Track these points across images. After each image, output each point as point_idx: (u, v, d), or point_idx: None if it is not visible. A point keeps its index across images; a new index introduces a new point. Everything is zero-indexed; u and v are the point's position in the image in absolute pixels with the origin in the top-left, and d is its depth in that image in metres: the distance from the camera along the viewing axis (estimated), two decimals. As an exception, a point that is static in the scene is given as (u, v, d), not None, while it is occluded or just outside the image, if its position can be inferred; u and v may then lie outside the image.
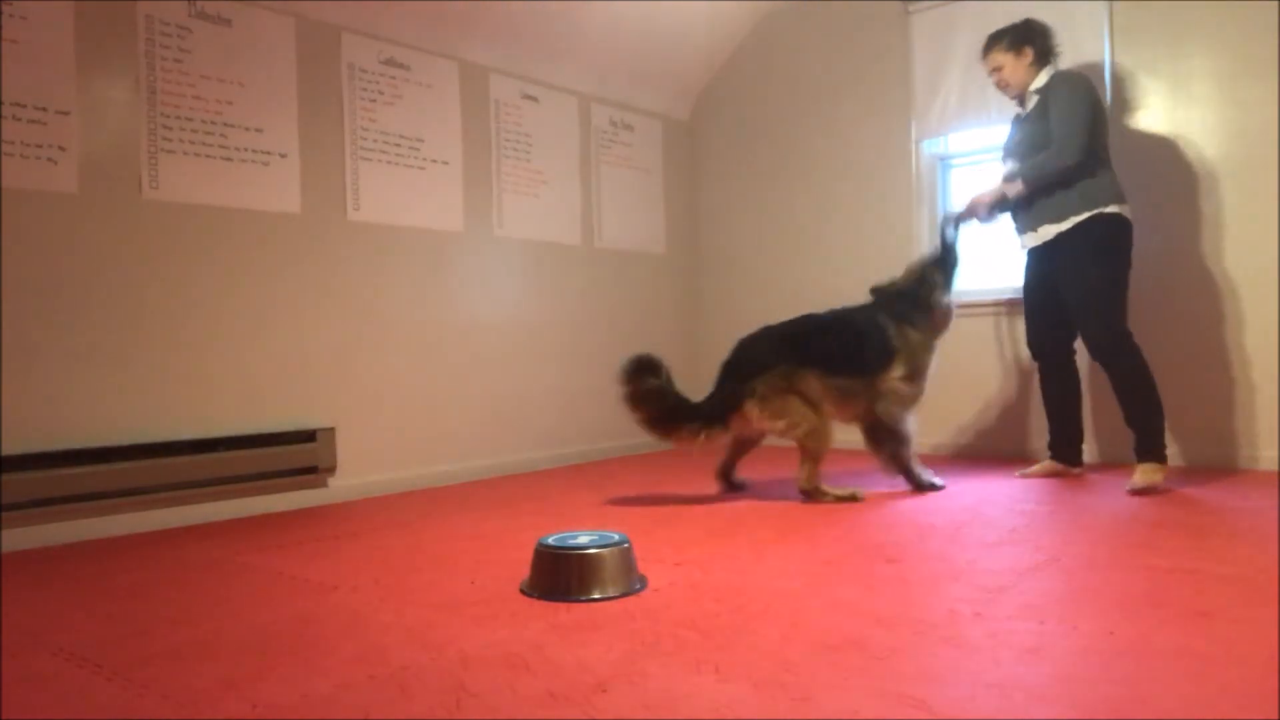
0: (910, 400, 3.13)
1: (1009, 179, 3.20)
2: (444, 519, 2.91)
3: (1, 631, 1.78)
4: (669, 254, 5.00)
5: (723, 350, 3.18)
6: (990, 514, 2.69)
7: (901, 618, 1.67)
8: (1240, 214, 3.42)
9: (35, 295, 2.71)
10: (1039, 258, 3.22)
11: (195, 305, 3.06)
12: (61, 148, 2.76)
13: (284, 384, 3.28)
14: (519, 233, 4.15)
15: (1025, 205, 3.18)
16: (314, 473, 3.29)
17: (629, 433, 4.54)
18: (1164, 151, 3.56)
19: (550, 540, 1.98)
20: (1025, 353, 3.43)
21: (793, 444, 3.06)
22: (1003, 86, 3.28)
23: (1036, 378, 3.43)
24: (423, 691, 1.37)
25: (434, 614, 1.80)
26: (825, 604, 1.78)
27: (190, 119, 3.05)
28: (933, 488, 3.11)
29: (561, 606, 1.82)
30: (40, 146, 2.72)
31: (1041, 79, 3.18)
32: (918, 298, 3.22)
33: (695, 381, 3.40)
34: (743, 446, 3.29)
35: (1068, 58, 3.40)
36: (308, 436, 3.27)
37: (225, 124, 3.13)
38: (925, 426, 4.24)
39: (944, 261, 3.31)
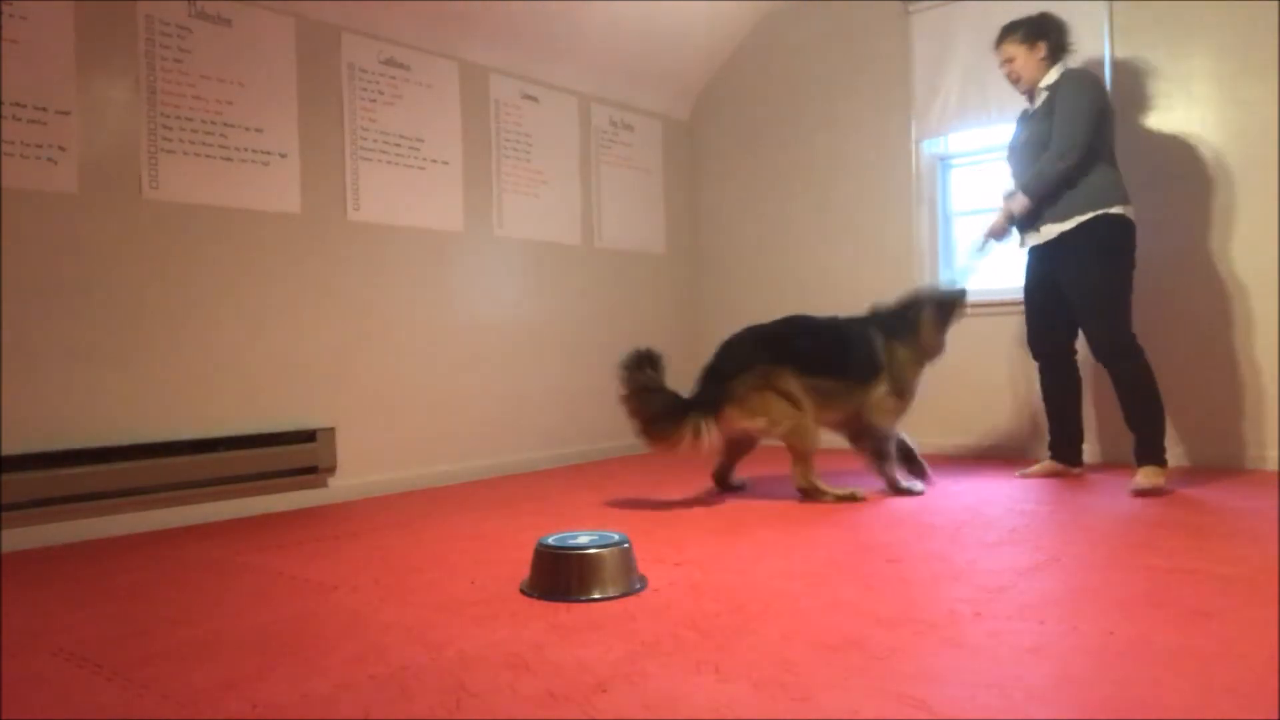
0: (895, 414, 3.12)
1: (1009, 197, 3.19)
2: (444, 519, 2.91)
3: (1, 631, 1.78)
4: (669, 254, 5.00)
5: (722, 350, 3.18)
6: (990, 514, 2.69)
7: (901, 618, 1.67)
8: (1240, 214, 3.42)
9: (35, 295, 2.71)
10: (1041, 257, 3.21)
11: (195, 305, 3.06)
12: (61, 148, 2.76)
13: (284, 384, 3.28)
14: (519, 233, 4.15)
15: (1033, 215, 3.15)
16: (314, 473, 3.29)
17: (629, 433, 4.53)
18: (1163, 151, 3.56)
19: (550, 540, 1.98)
20: (1026, 352, 3.42)
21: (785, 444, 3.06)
22: (1013, 79, 3.26)
23: (1037, 378, 3.42)
24: (423, 691, 1.37)
25: (434, 614, 1.80)
26: (825, 604, 1.78)
27: (190, 119, 3.05)
28: (910, 492, 3.07)
29: (561, 606, 1.82)
30: (40, 146, 2.72)
31: (1052, 76, 3.16)
32: (911, 321, 3.20)
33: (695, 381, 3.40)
34: (737, 449, 3.27)
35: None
36: (308, 436, 3.27)
37: (225, 124, 3.13)
38: (926, 427, 4.24)
39: (946, 304, 3.29)
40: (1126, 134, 3.59)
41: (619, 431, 4.50)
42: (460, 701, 1.33)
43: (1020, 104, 3.89)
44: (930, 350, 3.22)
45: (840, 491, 3.00)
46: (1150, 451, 2.98)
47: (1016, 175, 3.27)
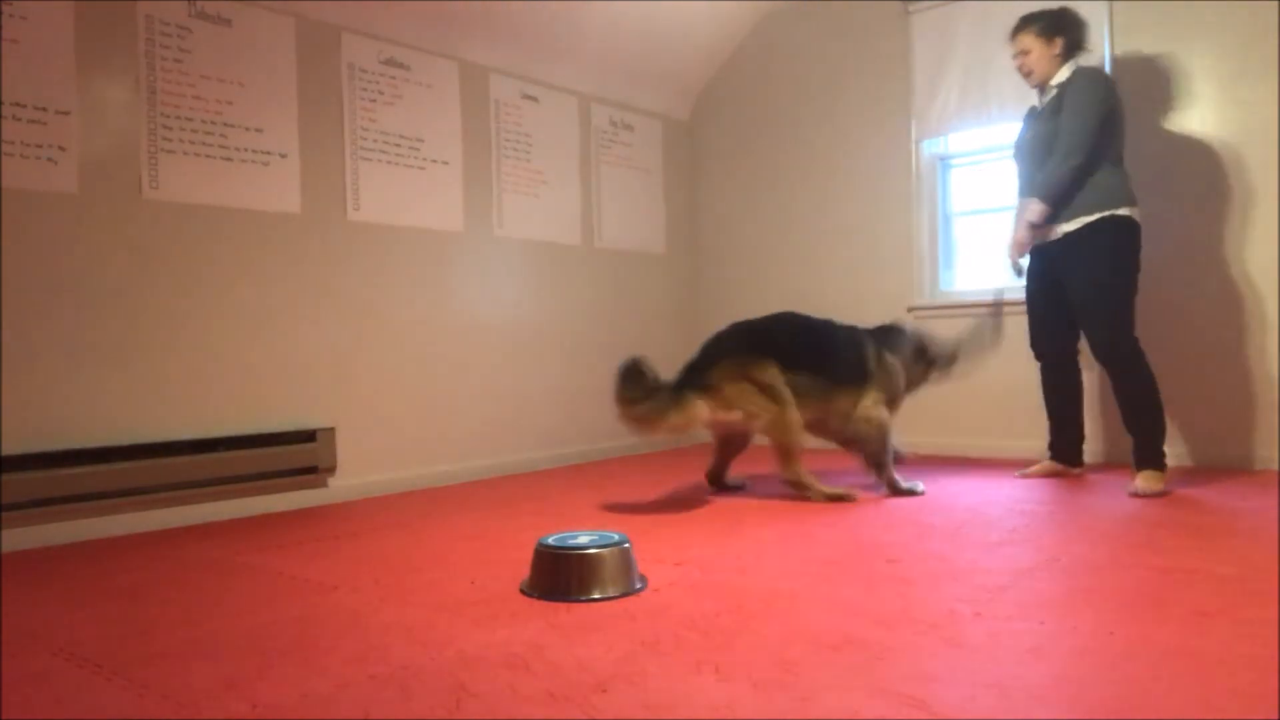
0: (883, 428, 3.07)
1: (1024, 207, 3.12)
2: (444, 519, 2.91)
3: (1, 631, 1.78)
4: (669, 254, 5.00)
5: (723, 350, 3.18)
6: (990, 514, 2.69)
7: (901, 618, 1.67)
8: (1242, 214, 3.42)
9: (35, 295, 2.71)
10: (1045, 256, 3.17)
11: (195, 305, 3.06)
12: (61, 148, 2.76)
13: (284, 384, 3.28)
14: (519, 233, 4.15)
15: (1051, 219, 3.09)
16: (314, 473, 3.29)
17: (629, 433, 4.54)
18: (1164, 151, 3.56)
19: (550, 540, 1.98)
20: (1027, 352, 3.41)
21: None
22: (1025, 72, 3.21)
23: (1038, 378, 3.41)
24: (423, 691, 1.37)
25: (434, 614, 1.80)
26: (825, 604, 1.78)
27: (190, 119, 3.05)
28: (910, 493, 3.07)
29: (561, 606, 1.82)
30: (40, 146, 2.72)
31: (1064, 73, 3.12)
32: (907, 346, 3.24)
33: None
34: (729, 448, 3.27)
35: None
36: (308, 436, 3.27)
37: (225, 124, 3.13)
38: (926, 427, 4.24)
39: (931, 357, 3.32)
40: (1126, 134, 3.59)
41: (619, 431, 4.50)
42: (460, 701, 1.33)
43: (1022, 103, 3.91)
44: (909, 382, 3.24)
45: (831, 490, 2.98)
46: (1149, 456, 2.96)
47: (1023, 174, 3.24)
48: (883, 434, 3.08)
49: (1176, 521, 2.50)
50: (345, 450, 3.41)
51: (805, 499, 2.98)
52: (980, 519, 2.62)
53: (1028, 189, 3.16)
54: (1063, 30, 3.12)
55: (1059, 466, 3.34)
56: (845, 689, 1.33)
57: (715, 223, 5.07)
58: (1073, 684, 1.33)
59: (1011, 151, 3.36)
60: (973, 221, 4.29)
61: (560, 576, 1.90)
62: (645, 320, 4.77)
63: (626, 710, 1.28)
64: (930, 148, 4.29)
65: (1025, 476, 3.37)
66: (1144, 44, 3.61)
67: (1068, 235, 3.05)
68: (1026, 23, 3.18)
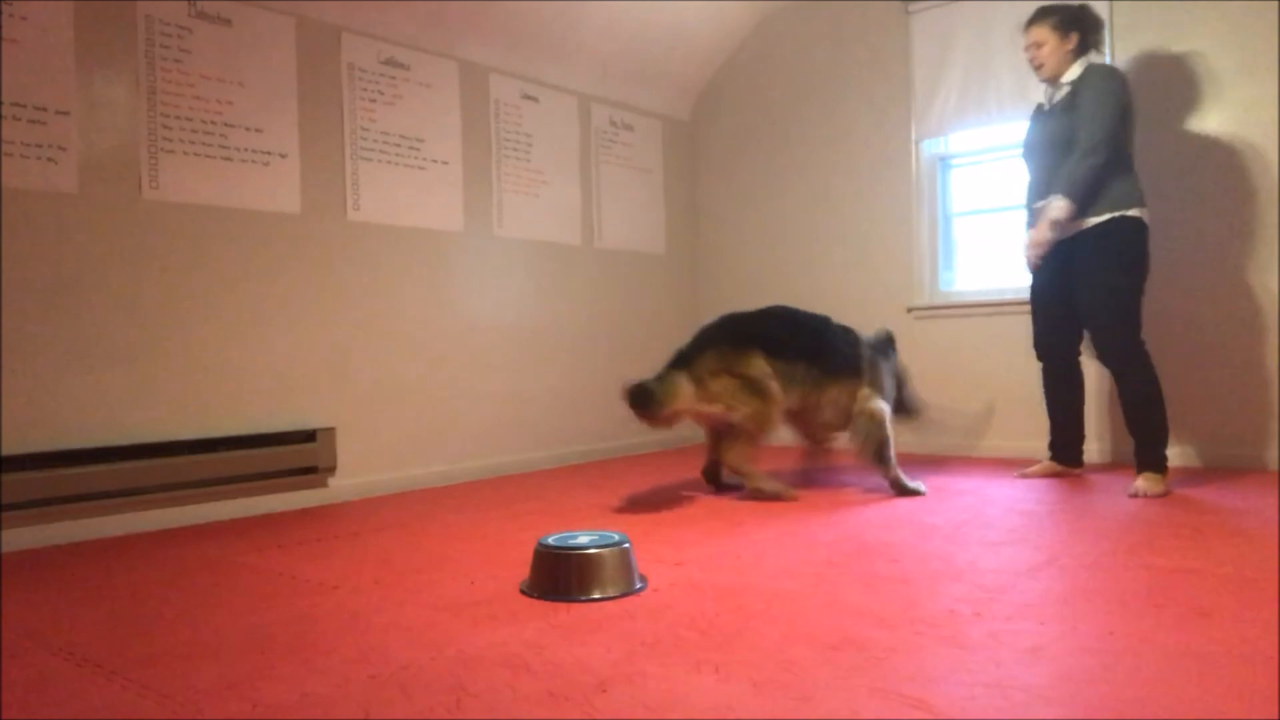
0: (883, 421, 3.07)
1: (1043, 205, 3.05)
2: (444, 519, 2.91)
3: (1, 631, 1.78)
4: (669, 254, 5.00)
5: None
6: (990, 514, 2.69)
7: (901, 618, 1.67)
8: (1243, 213, 3.42)
9: (35, 295, 2.71)
10: (1054, 255, 3.11)
11: (195, 305, 3.06)
12: (61, 148, 2.76)
13: (284, 384, 3.28)
14: (519, 233, 4.15)
15: (1074, 216, 3.04)
16: (314, 473, 3.29)
17: (629, 433, 4.55)
18: (1165, 151, 3.55)
19: (550, 540, 1.98)
20: (1026, 352, 3.40)
21: (796, 443, 3.07)
22: (1036, 64, 3.16)
23: (1039, 377, 3.41)
24: (423, 691, 1.37)
25: (434, 614, 1.80)
26: (825, 604, 1.78)
27: (190, 119, 3.05)
28: (915, 492, 3.06)
29: (561, 606, 1.82)
30: (40, 146, 2.72)
31: (1075, 70, 3.08)
32: (893, 362, 3.27)
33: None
34: (720, 443, 3.26)
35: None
36: (308, 436, 3.27)
37: (225, 124, 3.13)
38: (927, 426, 4.24)
39: (904, 392, 3.36)
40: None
41: (619, 431, 4.51)
42: (460, 701, 1.33)
43: (1022, 103, 3.91)
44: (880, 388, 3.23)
45: (770, 487, 3.00)
46: (1151, 458, 2.96)
47: (1036, 174, 3.18)
48: (883, 428, 3.06)
49: (1176, 521, 2.50)
50: (345, 450, 3.41)
51: (743, 484, 3.04)
52: (980, 519, 2.62)
53: (1042, 187, 3.11)
54: (1079, 26, 3.08)
55: (1059, 467, 3.34)
56: (845, 689, 1.33)
57: (715, 223, 5.07)
58: (1073, 684, 1.33)
59: (1020, 151, 3.31)
60: (973, 221, 4.29)
61: (560, 576, 1.90)
62: (645, 320, 4.77)
63: (626, 710, 1.28)
64: (930, 148, 4.29)
65: (1025, 476, 3.36)
66: (1145, 43, 3.61)
67: (1079, 235, 3.02)
68: (1043, 15, 3.13)
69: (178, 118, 3.02)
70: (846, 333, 3.23)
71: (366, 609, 1.86)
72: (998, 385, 4.01)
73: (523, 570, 2.04)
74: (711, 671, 1.42)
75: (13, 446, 2.62)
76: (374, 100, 3.58)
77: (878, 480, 3.21)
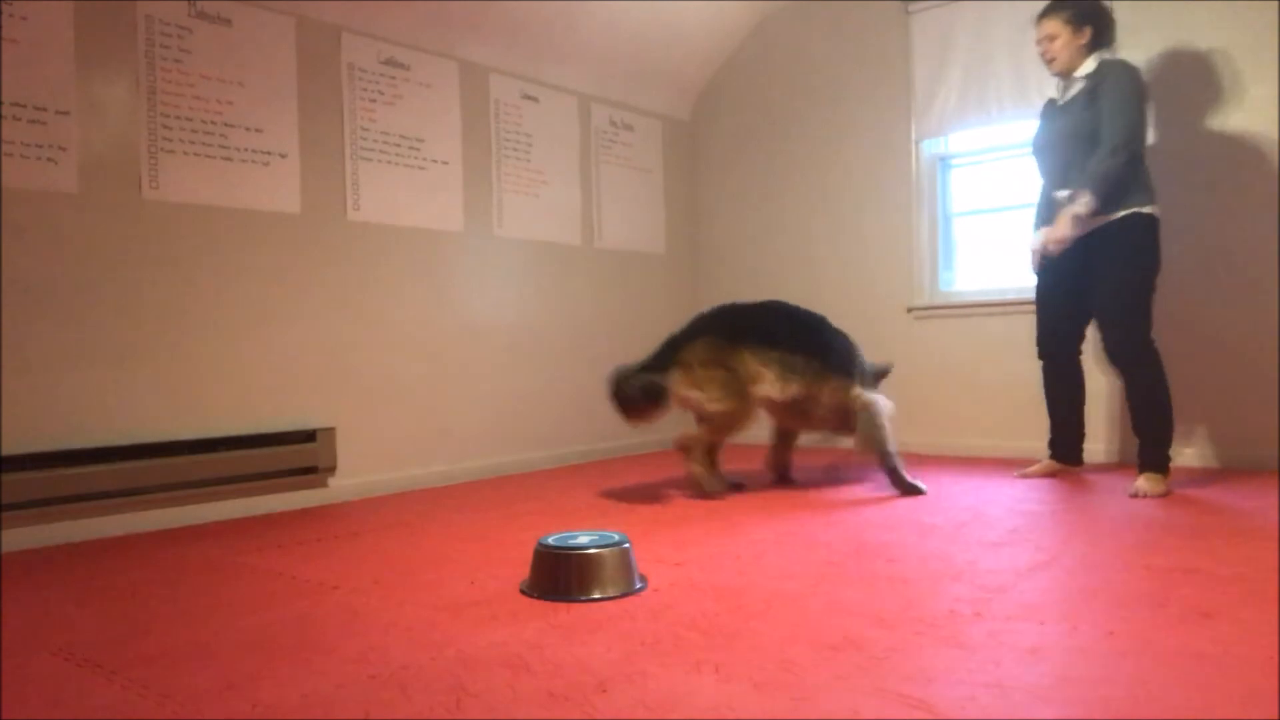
0: (880, 415, 3.09)
1: (1068, 200, 2.99)
2: (444, 519, 2.91)
3: (1, 631, 1.78)
4: (669, 254, 5.00)
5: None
6: (990, 514, 2.69)
7: (901, 618, 1.67)
8: (1244, 214, 3.41)
9: (35, 295, 2.71)
10: (1065, 253, 3.06)
11: (195, 305, 3.06)
12: (61, 148, 2.76)
13: (284, 384, 3.28)
14: (519, 233, 4.15)
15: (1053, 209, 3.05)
16: (314, 473, 3.29)
17: (629, 433, 4.54)
18: (1167, 151, 3.53)
19: (550, 540, 1.98)
20: (1025, 351, 3.39)
21: (806, 445, 3.09)
22: (1048, 58, 3.12)
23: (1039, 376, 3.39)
24: (423, 691, 1.37)
25: (434, 614, 1.80)
26: (825, 604, 1.78)
27: (190, 119, 3.05)
28: (916, 490, 3.07)
29: (561, 606, 1.82)
30: (40, 146, 2.72)
31: (1089, 65, 3.05)
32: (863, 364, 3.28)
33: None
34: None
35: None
36: (308, 436, 3.27)
37: (225, 124, 3.13)
38: (926, 426, 4.24)
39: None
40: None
41: (619, 431, 4.51)
42: (460, 701, 1.33)
43: (1022, 103, 3.91)
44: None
45: (708, 482, 3.06)
46: (1154, 458, 2.95)
47: (1050, 170, 3.14)
48: (881, 418, 3.08)
49: (1177, 521, 2.50)
50: (345, 450, 3.41)
51: (687, 472, 3.12)
52: (980, 519, 2.62)
53: (1059, 182, 3.07)
54: (1093, 20, 3.05)
55: (1059, 465, 3.34)
56: (845, 689, 1.33)
57: (715, 223, 5.07)
58: (1073, 684, 1.33)
59: (1031, 148, 3.28)
60: (973, 221, 4.29)
61: (560, 576, 1.90)
62: (645, 320, 4.77)
63: (626, 710, 1.28)
64: (930, 148, 4.29)
65: (1025, 476, 3.36)
66: (1145, 43, 3.61)
67: (1093, 231, 2.97)
68: (1056, 8, 3.09)
69: (178, 118, 3.02)
70: (842, 335, 3.26)
71: (366, 609, 1.86)
72: (998, 385, 4.00)
73: (523, 570, 2.04)
74: (711, 671, 1.42)
75: (13, 446, 2.62)
76: (374, 100, 3.58)
77: (876, 480, 3.21)
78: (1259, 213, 3.40)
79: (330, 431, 3.35)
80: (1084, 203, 2.93)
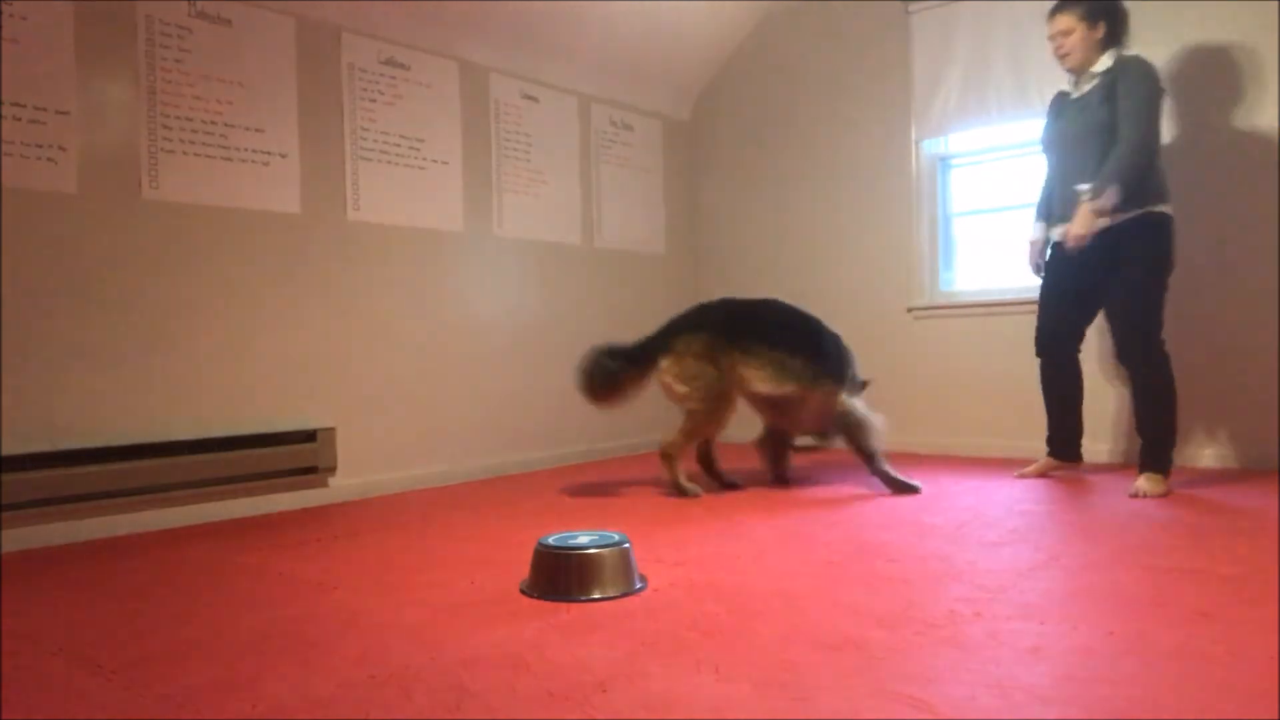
0: (864, 417, 3.15)
1: (1092, 194, 2.91)
2: (444, 519, 2.91)
3: (1, 631, 1.78)
4: (669, 254, 5.00)
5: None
6: (990, 514, 2.69)
7: (901, 618, 1.67)
8: (1237, 216, 3.41)
9: (35, 295, 2.71)
10: (1076, 250, 3.02)
11: (195, 305, 3.06)
12: (61, 148, 2.76)
13: (284, 384, 3.28)
14: (519, 233, 4.15)
15: (1070, 207, 3.01)
16: (314, 473, 3.29)
17: (629, 433, 4.55)
18: (1174, 149, 3.51)
19: (550, 540, 1.98)
20: (1027, 352, 3.38)
21: (811, 451, 3.13)
22: (1061, 54, 3.09)
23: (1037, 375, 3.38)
24: (423, 691, 1.37)
25: (434, 614, 1.80)
26: (825, 604, 1.78)
27: (190, 119, 3.05)
28: (908, 487, 3.10)
29: (561, 606, 1.82)
30: (40, 146, 2.72)
31: (1105, 61, 3.02)
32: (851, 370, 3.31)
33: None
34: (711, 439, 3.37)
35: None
36: (308, 436, 3.27)
37: (225, 124, 3.13)
38: (927, 426, 4.25)
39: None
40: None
41: (619, 431, 4.51)
42: (460, 701, 1.33)
43: (1022, 103, 3.91)
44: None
45: (685, 483, 3.11)
46: (1157, 459, 2.94)
47: (1064, 166, 3.10)
48: (866, 423, 3.14)
49: (1176, 521, 2.50)
50: (345, 450, 3.41)
51: (664, 471, 3.16)
52: (980, 519, 2.62)
53: (1073, 178, 3.01)
54: (1108, 16, 3.02)
55: (1057, 463, 3.32)
56: (845, 689, 1.33)
57: (715, 223, 5.07)
58: (1073, 684, 1.33)
59: (1041, 143, 3.26)
60: (973, 221, 4.29)
61: (560, 576, 1.90)
62: (645, 320, 4.72)
63: (626, 710, 1.28)
64: (930, 148, 4.29)
65: (1024, 476, 3.36)
66: (1145, 44, 3.59)
67: (1109, 230, 2.94)
68: (1071, 3, 3.05)
69: (178, 118, 3.02)
70: (836, 337, 3.30)
71: (366, 609, 1.86)
72: (998, 385, 4.00)
73: (523, 570, 2.04)
74: (711, 671, 1.42)
75: (13, 446, 2.62)
76: (374, 100, 3.57)
77: (874, 480, 3.21)
78: (1269, 211, 3.38)
79: (330, 431, 3.35)
80: (1109, 196, 2.89)
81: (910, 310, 4.30)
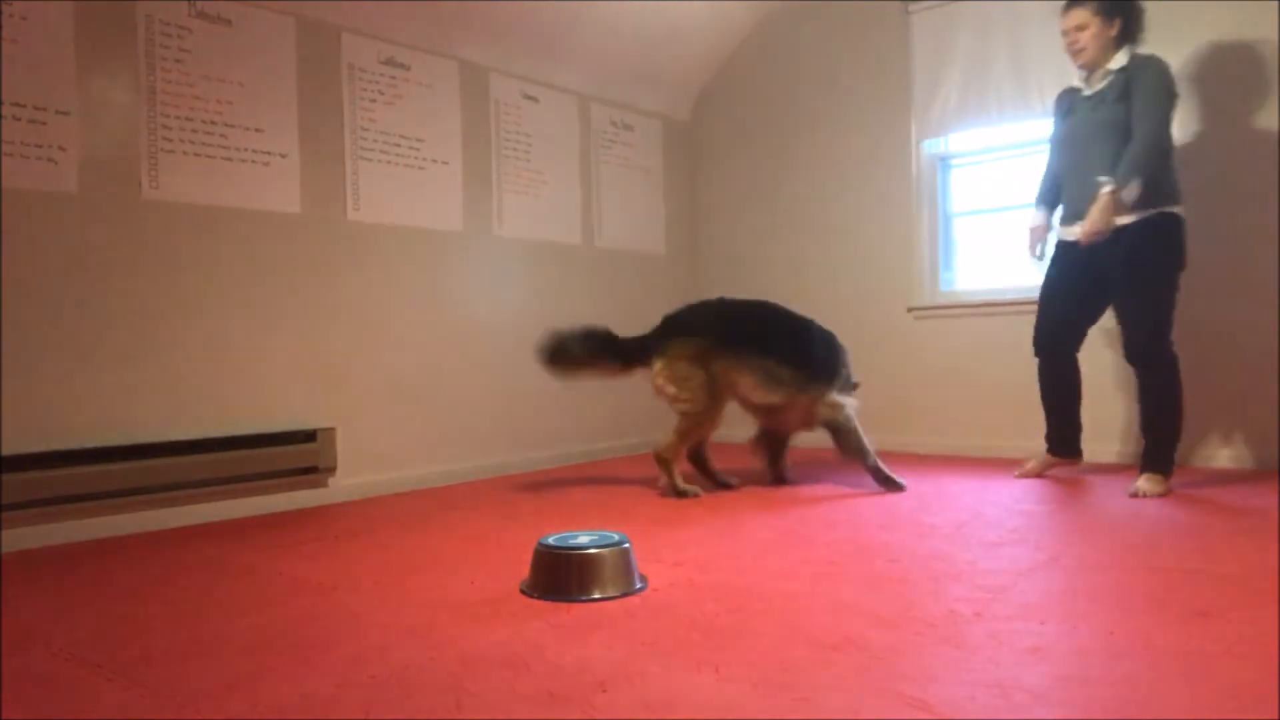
0: (850, 415, 3.20)
1: (1121, 186, 2.86)
2: (444, 519, 2.91)
3: (1, 631, 1.78)
4: (669, 254, 5.00)
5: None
6: (990, 514, 2.69)
7: (901, 618, 1.67)
8: (1253, 216, 3.40)
9: (35, 295, 2.71)
10: (1086, 248, 3.01)
11: (195, 305, 3.06)
12: (61, 148, 2.76)
13: (284, 384, 3.28)
14: (519, 233, 4.15)
15: (1081, 205, 2.99)
16: (314, 473, 3.29)
17: (629, 432, 4.55)
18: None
19: (550, 540, 1.98)
20: (1027, 352, 3.37)
21: (807, 448, 3.13)
22: (1075, 49, 3.06)
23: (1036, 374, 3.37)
24: (423, 691, 1.37)
25: (434, 614, 1.80)
26: (825, 604, 1.78)
27: (190, 119, 3.05)
28: (893, 483, 3.15)
29: (561, 606, 1.82)
30: (40, 146, 2.72)
31: (1120, 59, 2.99)
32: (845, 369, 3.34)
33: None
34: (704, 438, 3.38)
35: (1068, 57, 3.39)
36: (308, 436, 3.27)
37: (225, 124, 3.13)
38: (927, 426, 4.25)
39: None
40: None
41: (619, 431, 4.52)
42: (460, 701, 1.33)
43: (1022, 103, 3.91)
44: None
45: (681, 485, 3.12)
46: (1159, 459, 2.94)
47: (1075, 163, 3.07)
48: (851, 421, 3.18)
49: (1176, 521, 2.50)
50: (345, 450, 3.41)
51: (660, 474, 3.16)
52: (980, 519, 2.62)
53: (1086, 177, 2.97)
54: (1123, 12, 3.00)
55: (1056, 460, 3.31)
56: (845, 689, 1.33)
57: (715, 223, 5.07)
58: (1073, 684, 1.33)
59: (1051, 139, 3.23)
60: (973, 221, 4.29)
61: (560, 576, 1.90)
62: (645, 320, 4.72)
63: (626, 710, 1.28)
64: (930, 148, 4.29)
65: (1024, 475, 3.35)
66: (1143, 44, 3.60)
67: (1122, 229, 2.92)
68: None
69: (178, 118, 3.02)
70: (829, 340, 3.32)
71: (366, 609, 1.86)
72: (998, 385, 4.00)
73: (523, 570, 2.04)
74: (711, 671, 1.42)
75: (13, 446, 2.62)
76: (374, 100, 3.57)
77: (869, 479, 3.21)
78: (1274, 211, 3.38)
79: (330, 431, 3.35)
80: (1132, 189, 2.86)
81: (910, 310, 4.30)
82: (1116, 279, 2.99)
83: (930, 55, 4.21)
